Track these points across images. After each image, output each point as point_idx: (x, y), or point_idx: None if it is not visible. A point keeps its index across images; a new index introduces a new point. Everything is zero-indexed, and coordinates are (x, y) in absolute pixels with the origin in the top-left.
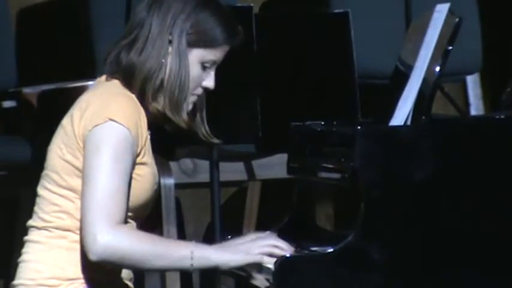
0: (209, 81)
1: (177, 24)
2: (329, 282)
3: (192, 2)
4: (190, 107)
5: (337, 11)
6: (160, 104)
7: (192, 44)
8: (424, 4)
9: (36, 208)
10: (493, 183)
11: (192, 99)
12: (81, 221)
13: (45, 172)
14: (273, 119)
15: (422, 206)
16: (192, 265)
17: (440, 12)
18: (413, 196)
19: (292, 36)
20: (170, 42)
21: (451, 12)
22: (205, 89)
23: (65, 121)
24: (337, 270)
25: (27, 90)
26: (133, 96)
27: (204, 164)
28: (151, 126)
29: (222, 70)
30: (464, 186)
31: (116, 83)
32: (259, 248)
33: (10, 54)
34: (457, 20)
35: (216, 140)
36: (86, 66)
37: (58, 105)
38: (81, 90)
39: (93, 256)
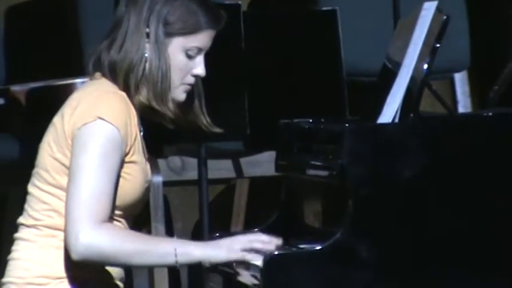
0: (199, 69)
1: (153, 16)
2: (317, 279)
3: None
4: (182, 96)
5: (325, 8)
6: (144, 96)
7: (171, 34)
8: (412, 2)
9: (26, 206)
10: (481, 180)
11: (182, 88)
12: (65, 219)
13: (35, 170)
14: (261, 117)
15: (410, 203)
16: (176, 262)
17: (428, 9)
18: (401, 193)
19: (280, 33)
20: (148, 34)
21: (438, 10)
22: (197, 77)
23: (56, 119)
24: (325, 267)
25: (15, 88)
26: (123, 94)
27: (192, 162)
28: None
29: (210, 67)
30: (452, 184)
31: (105, 81)
32: (241, 244)
33: None
34: (444, 17)
35: (217, 129)
36: (74, 64)
37: (47, 103)
38: (69, 88)
39: (75, 255)
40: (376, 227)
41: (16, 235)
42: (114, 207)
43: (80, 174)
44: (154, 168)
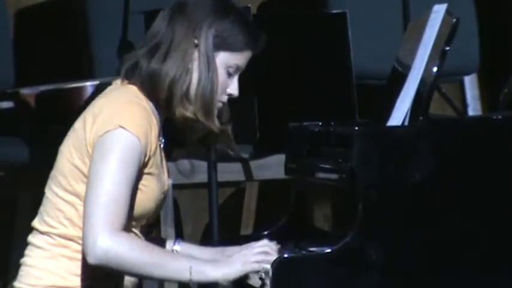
0: (233, 88)
1: (204, 27)
2: (327, 283)
3: (214, 7)
4: (216, 114)
5: (335, 11)
6: (188, 109)
7: (218, 47)
8: (422, 5)
9: (41, 208)
10: (491, 183)
11: (218, 106)
12: (83, 223)
13: (53, 173)
14: (270, 120)
15: (419, 206)
16: (190, 279)
17: (438, 12)
18: (411, 196)
19: (290, 36)
20: (196, 46)
21: (448, 12)
22: (230, 96)
23: (78, 124)
24: (335, 271)
25: (25, 91)
26: (146, 105)
27: (202, 165)
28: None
29: None
30: (462, 187)
31: (131, 89)
32: (254, 256)
33: (8, 54)
34: (454, 20)
35: (245, 155)
36: (83, 67)
37: (56, 106)
38: (79, 91)
39: (91, 259)
40: (386, 230)
41: (30, 239)
42: (130, 216)
43: (99, 180)
44: None
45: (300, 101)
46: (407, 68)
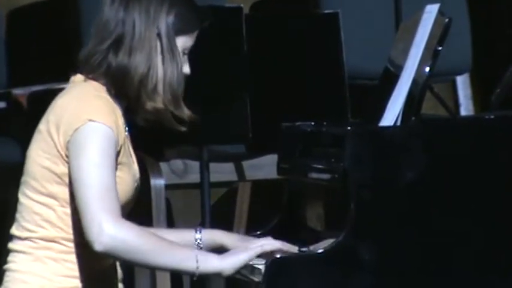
0: (187, 68)
1: (162, 16)
2: (320, 283)
3: None
4: None
5: (327, 11)
6: (158, 101)
7: (177, 32)
8: (414, 5)
9: (17, 215)
10: (483, 183)
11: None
12: (82, 219)
13: (24, 178)
14: (263, 120)
15: (412, 206)
16: (197, 267)
17: (430, 12)
18: (404, 196)
19: (282, 36)
20: (158, 35)
21: (440, 12)
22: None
23: (42, 126)
24: (327, 271)
25: (17, 91)
26: (108, 97)
27: (195, 165)
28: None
29: (212, 70)
30: (455, 186)
31: (91, 84)
32: (260, 247)
33: (0, 55)
34: (446, 20)
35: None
36: (76, 68)
37: (48, 106)
38: None
39: (99, 246)
40: (379, 230)
41: (10, 246)
42: None
43: (85, 174)
44: (156, 172)
45: (292, 101)
46: (399, 68)
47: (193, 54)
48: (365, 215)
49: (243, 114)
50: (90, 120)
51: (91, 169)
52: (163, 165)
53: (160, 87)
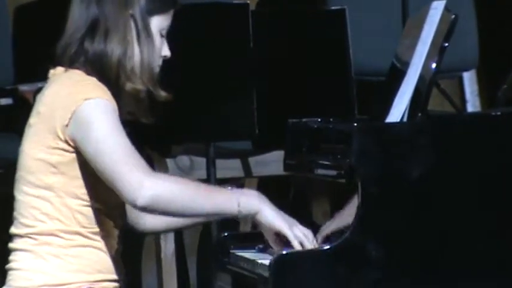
0: (166, 50)
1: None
2: (326, 279)
3: None
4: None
5: (333, 7)
6: (137, 82)
7: (151, 12)
8: (421, 1)
9: (15, 214)
10: (490, 179)
11: (156, 70)
12: (116, 184)
13: (19, 174)
14: (269, 116)
15: (419, 202)
16: (239, 207)
17: (437, 9)
18: (410, 192)
19: (288, 33)
20: (132, 16)
21: (447, 9)
22: (164, 58)
23: (33, 120)
24: (334, 267)
25: (23, 87)
26: (95, 80)
27: (201, 161)
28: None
29: (218, 67)
30: (461, 183)
31: (76, 72)
32: (300, 232)
33: (7, 51)
34: (453, 16)
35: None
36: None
37: None
38: None
39: (142, 201)
40: (385, 227)
41: (11, 245)
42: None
43: (103, 144)
44: (163, 168)
45: (299, 97)
46: (406, 65)
47: (200, 50)
48: (371, 212)
49: (249, 110)
50: (87, 99)
51: (107, 138)
52: (169, 162)
53: (137, 67)
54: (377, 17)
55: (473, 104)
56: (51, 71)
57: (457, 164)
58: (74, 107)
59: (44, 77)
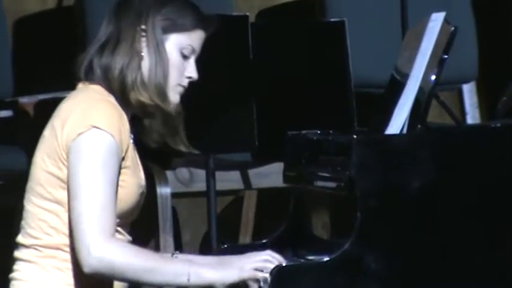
0: (191, 71)
1: (149, 15)
2: None
3: None
4: (176, 98)
5: (333, 19)
6: (143, 95)
7: (167, 30)
8: (420, 13)
9: (23, 223)
10: (490, 191)
11: (178, 89)
12: (73, 233)
13: (29, 184)
14: (269, 128)
15: (418, 214)
16: (188, 280)
17: (436, 21)
18: (410, 204)
19: (288, 45)
20: (144, 31)
21: (446, 21)
22: (190, 79)
23: (47, 132)
24: (333, 279)
25: (23, 99)
26: (114, 101)
27: (201, 173)
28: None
29: (218, 79)
30: (461, 195)
31: (96, 89)
32: (253, 263)
33: (6, 63)
34: (452, 28)
35: (194, 150)
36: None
37: None
38: None
39: (87, 269)
40: (384, 239)
41: (16, 255)
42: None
43: (82, 187)
44: (163, 180)
45: (298, 109)
46: (405, 77)
47: (199, 62)
48: (371, 223)
49: (249, 122)
50: (94, 126)
51: (88, 184)
52: (169, 174)
53: (145, 80)
54: (376, 28)
55: (472, 116)
56: (78, 85)
57: (457, 176)
58: (80, 130)
59: (43, 89)
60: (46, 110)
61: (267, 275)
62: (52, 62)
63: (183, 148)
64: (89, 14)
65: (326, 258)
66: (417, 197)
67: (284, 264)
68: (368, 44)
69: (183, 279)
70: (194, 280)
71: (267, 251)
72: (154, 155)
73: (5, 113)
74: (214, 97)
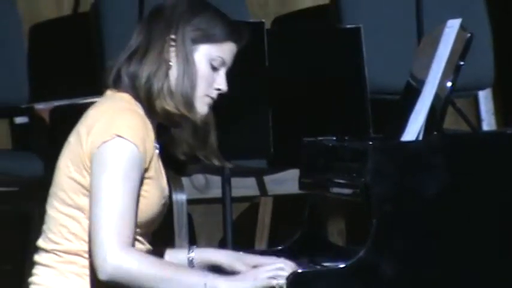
0: (220, 83)
1: (179, 25)
2: None
3: (190, 5)
4: (205, 109)
5: (349, 26)
6: (169, 104)
7: (197, 40)
8: (436, 19)
9: (44, 227)
10: (506, 198)
11: (206, 100)
12: (91, 240)
13: (52, 190)
14: (284, 135)
15: (434, 221)
16: None
17: (452, 27)
18: (426, 211)
19: (304, 51)
20: (173, 41)
21: (462, 27)
22: (218, 91)
23: (72, 138)
24: (349, 286)
25: (39, 106)
26: (139, 110)
27: (216, 180)
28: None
29: (234, 85)
30: (477, 202)
31: (123, 97)
32: (267, 272)
33: (22, 70)
34: (468, 35)
35: (228, 164)
36: (98, 82)
37: (70, 121)
38: None
39: (102, 276)
40: (400, 246)
41: (36, 259)
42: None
43: (103, 196)
44: (178, 186)
45: (314, 116)
46: (421, 83)
47: None
48: (386, 230)
49: (264, 128)
50: (118, 135)
51: (109, 193)
52: (185, 180)
53: (172, 89)
54: (392, 35)
55: (488, 123)
56: (106, 92)
57: (473, 182)
58: (104, 138)
59: (59, 96)
60: (62, 117)
61: (282, 282)
62: (68, 69)
63: (216, 162)
64: (104, 20)
65: (342, 265)
66: (432, 204)
67: (300, 271)
68: (384, 51)
69: None
70: None
71: (281, 259)
72: (170, 162)
73: (21, 119)
74: (230, 104)
